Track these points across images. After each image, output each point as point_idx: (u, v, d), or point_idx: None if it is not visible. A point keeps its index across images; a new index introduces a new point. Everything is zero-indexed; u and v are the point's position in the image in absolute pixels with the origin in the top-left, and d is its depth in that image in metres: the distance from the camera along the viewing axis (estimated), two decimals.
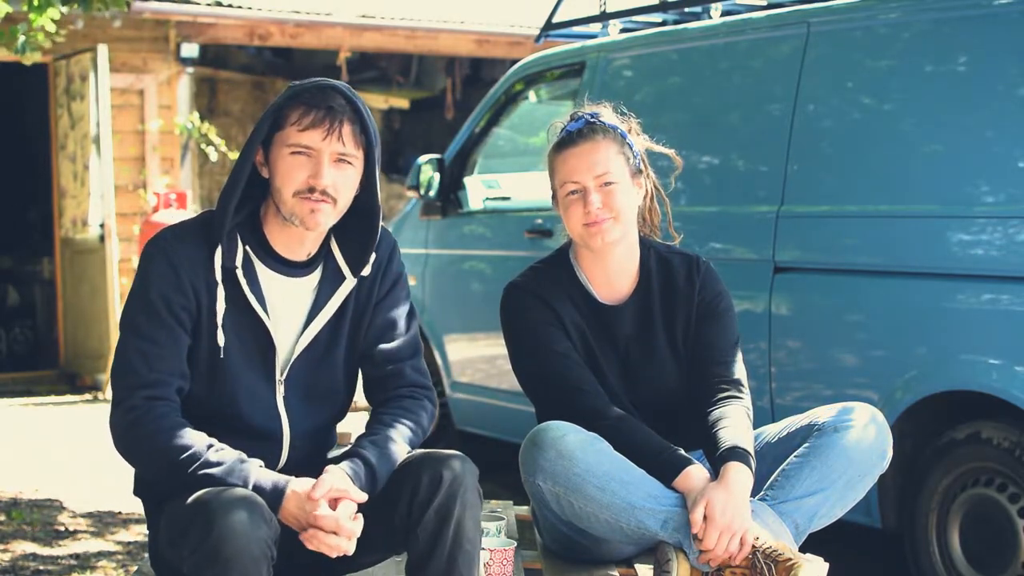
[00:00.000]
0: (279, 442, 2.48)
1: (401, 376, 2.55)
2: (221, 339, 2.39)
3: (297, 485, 2.28)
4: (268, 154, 2.41)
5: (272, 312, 2.44)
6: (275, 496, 2.26)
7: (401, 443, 2.43)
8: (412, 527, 2.31)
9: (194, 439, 2.30)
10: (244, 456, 2.31)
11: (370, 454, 2.37)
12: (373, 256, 2.52)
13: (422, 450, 2.43)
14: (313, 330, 2.47)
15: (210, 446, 2.30)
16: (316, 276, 2.49)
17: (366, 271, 2.52)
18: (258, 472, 2.29)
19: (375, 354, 2.54)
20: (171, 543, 2.25)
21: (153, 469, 2.35)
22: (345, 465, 2.34)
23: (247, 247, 2.43)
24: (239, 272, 2.40)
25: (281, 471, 2.45)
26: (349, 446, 2.45)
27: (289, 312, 2.47)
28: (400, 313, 2.57)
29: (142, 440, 2.30)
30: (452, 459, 2.34)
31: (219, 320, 2.39)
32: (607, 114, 2.92)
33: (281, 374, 2.46)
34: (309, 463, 2.49)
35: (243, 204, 2.42)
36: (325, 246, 2.50)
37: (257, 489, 2.25)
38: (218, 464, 2.27)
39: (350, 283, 2.51)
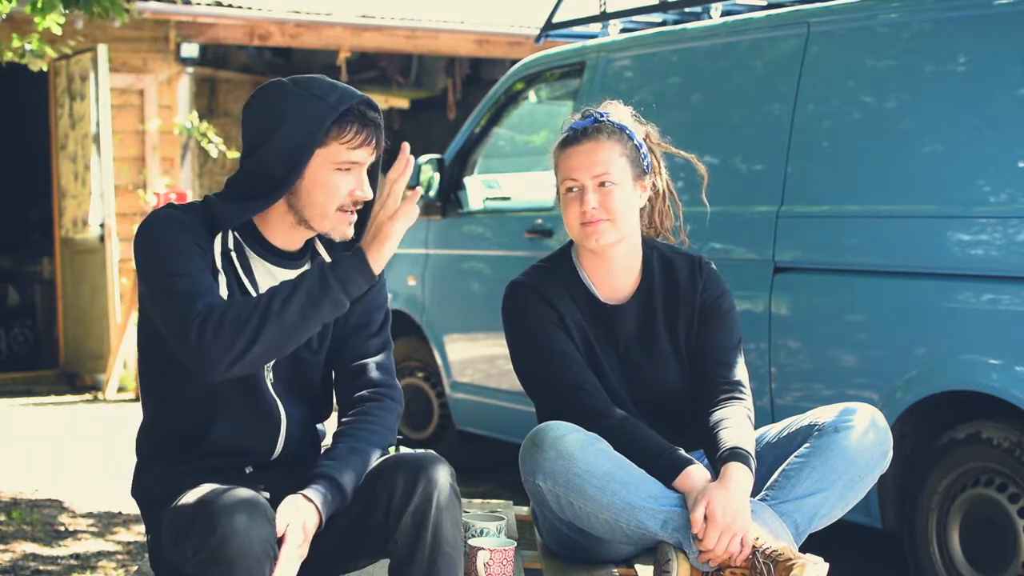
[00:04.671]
0: (277, 423, 2.46)
1: (364, 374, 2.53)
2: None
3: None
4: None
5: None
6: None
7: (370, 453, 2.41)
8: (390, 534, 2.30)
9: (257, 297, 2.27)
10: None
11: (338, 474, 2.33)
12: None
13: (397, 453, 2.43)
14: None
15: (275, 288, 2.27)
16: (303, 269, 2.48)
17: None
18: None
19: (344, 349, 2.54)
20: (174, 544, 2.25)
21: (251, 335, 2.23)
22: (312, 489, 2.30)
23: (236, 234, 2.43)
24: (233, 255, 2.40)
25: (276, 460, 2.46)
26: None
27: None
28: (373, 309, 2.56)
29: (227, 326, 2.21)
30: (426, 462, 2.32)
31: None
32: (617, 113, 2.91)
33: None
34: (303, 457, 2.49)
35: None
36: (310, 242, 2.51)
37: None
38: (295, 287, 2.24)
39: None
